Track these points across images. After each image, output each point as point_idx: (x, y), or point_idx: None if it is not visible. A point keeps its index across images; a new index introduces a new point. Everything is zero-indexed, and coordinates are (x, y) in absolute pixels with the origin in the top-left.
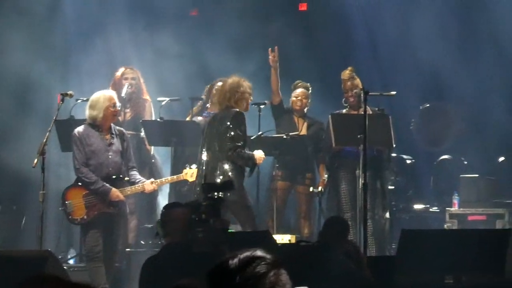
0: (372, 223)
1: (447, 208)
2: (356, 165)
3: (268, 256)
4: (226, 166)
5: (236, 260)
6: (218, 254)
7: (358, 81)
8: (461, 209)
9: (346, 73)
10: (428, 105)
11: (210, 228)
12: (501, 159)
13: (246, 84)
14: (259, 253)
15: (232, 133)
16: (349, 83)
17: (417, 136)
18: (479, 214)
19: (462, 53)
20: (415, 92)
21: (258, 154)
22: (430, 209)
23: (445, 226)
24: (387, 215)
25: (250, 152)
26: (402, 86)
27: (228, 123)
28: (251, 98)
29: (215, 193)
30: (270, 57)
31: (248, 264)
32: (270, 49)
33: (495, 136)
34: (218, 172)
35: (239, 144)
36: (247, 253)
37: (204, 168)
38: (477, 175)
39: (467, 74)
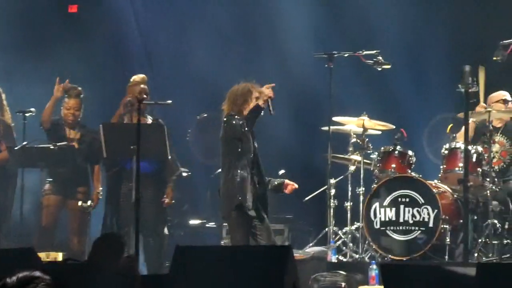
0: (153, 240)
1: (224, 224)
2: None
3: (47, 277)
4: None
5: (14, 278)
6: None
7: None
8: None
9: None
10: (205, 115)
11: None
12: (281, 172)
13: None
14: (37, 273)
15: None
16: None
17: (194, 147)
18: None
19: (244, 64)
20: (193, 102)
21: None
22: (207, 225)
23: (222, 242)
24: (166, 231)
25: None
26: (179, 95)
27: None
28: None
29: None
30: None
31: (26, 284)
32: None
33: (276, 148)
34: None
35: None
36: (26, 273)
37: None
38: None
39: None
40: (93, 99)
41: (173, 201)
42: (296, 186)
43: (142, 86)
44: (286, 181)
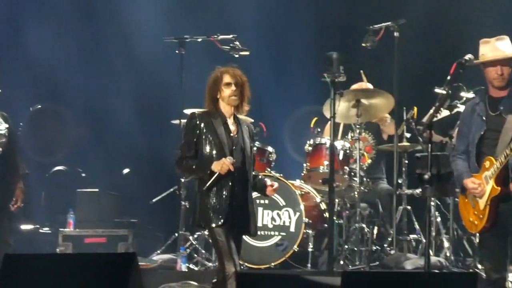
0: None
1: (60, 229)
2: None
3: None
4: None
5: None
6: None
7: None
8: (77, 230)
9: None
10: (39, 106)
11: None
12: (126, 171)
13: None
14: None
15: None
16: None
17: (27, 142)
18: (99, 235)
19: (84, 55)
20: (25, 92)
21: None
22: (41, 230)
23: (58, 250)
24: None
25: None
26: (10, 84)
27: None
28: None
29: None
30: None
31: None
32: None
33: (120, 144)
34: None
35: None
36: None
37: None
38: (97, 190)
39: (88, 76)
40: None
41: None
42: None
43: None
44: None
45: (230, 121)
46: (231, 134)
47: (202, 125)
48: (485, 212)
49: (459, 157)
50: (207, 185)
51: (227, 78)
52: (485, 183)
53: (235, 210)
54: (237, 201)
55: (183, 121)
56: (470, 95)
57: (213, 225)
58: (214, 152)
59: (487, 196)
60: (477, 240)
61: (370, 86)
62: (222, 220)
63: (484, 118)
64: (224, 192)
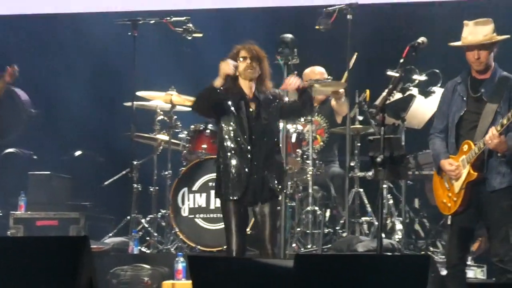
0: None
1: (11, 212)
2: None
3: None
4: None
5: None
6: None
7: None
8: (29, 212)
9: None
10: None
11: None
12: (78, 153)
13: None
14: None
15: None
16: None
17: None
18: (50, 218)
19: (35, 37)
20: None
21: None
22: None
23: (9, 232)
24: None
25: None
26: None
27: None
28: None
29: None
30: None
31: None
32: None
33: (71, 127)
34: None
35: None
36: None
37: None
38: (48, 172)
39: (40, 55)
40: None
41: None
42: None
43: None
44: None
45: (249, 97)
46: (251, 110)
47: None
48: (460, 196)
49: (437, 135)
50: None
51: (242, 53)
52: (462, 167)
53: (253, 184)
54: (257, 173)
55: (136, 103)
56: (423, 77)
57: (225, 199)
58: (230, 128)
59: (462, 180)
60: (449, 222)
61: (322, 70)
62: (236, 196)
63: (464, 98)
64: (243, 166)
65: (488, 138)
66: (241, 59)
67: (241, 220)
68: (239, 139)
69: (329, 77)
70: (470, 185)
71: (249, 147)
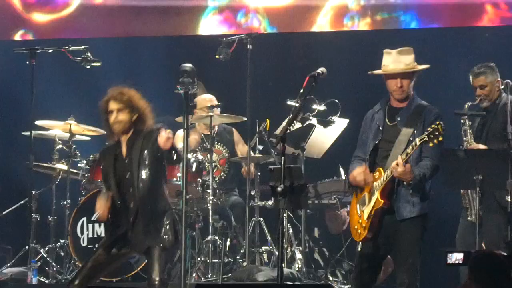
0: None
1: None
2: None
3: None
4: None
5: None
6: None
7: None
8: None
9: None
10: None
11: None
12: None
13: None
14: None
15: None
16: None
17: None
18: None
19: None
20: None
21: None
22: None
23: None
24: None
25: None
26: None
27: None
28: None
29: None
30: None
31: None
32: None
33: None
34: None
35: None
36: None
37: None
38: None
39: None
40: None
41: None
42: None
43: None
44: None
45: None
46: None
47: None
48: (368, 223)
49: (357, 161)
50: None
51: (110, 106)
52: (372, 194)
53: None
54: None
55: (34, 132)
56: (322, 107)
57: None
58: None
59: (371, 208)
60: (358, 249)
61: (211, 96)
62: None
63: (380, 128)
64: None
65: (393, 166)
66: (109, 113)
67: None
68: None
69: (219, 103)
70: (379, 213)
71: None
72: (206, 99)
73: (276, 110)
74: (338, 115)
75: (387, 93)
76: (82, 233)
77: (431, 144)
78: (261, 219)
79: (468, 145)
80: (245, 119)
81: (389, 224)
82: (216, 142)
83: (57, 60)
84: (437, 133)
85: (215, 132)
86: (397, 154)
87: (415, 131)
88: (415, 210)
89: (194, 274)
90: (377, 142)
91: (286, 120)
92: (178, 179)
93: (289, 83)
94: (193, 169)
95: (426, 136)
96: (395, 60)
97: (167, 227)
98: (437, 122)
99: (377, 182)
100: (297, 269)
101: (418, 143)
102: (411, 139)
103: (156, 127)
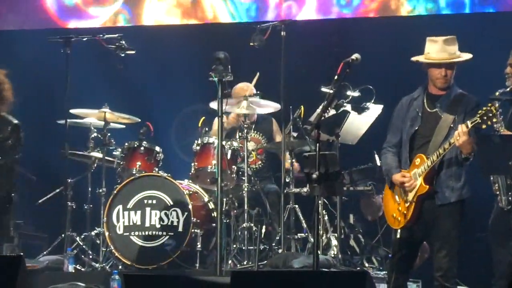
0: None
1: None
2: None
3: None
4: None
5: None
6: None
7: None
8: None
9: None
10: None
11: None
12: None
13: None
14: None
15: None
16: None
17: None
18: None
19: None
20: None
21: None
22: None
23: None
24: None
25: None
26: None
27: None
28: None
29: None
30: None
31: None
32: None
33: None
34: None
35: None
36: None
37: None
38: None
39: None
40: None
41: None
42: None
43: None
44: None
45: None
46: None
47: None
48: (410, 209)
49: (389, 149)
50: None
51: None
52: (414, 180)
53: None
54: None
55: (69, 121)
56: (356, 94)
57: None
58: None
59: (413, 193)
60: (398, 236)
61: (251, 85)
62: None
63: (420, 114)
64: None
65: (457, 134)
66: None
67: None
68: None
69: (258, 92)
70: (421, 199)
71: None
72: (243, 88)
73: (310, 97)
74: (372, 101)
75: (423, 80)
76: (118, 221)
77: (484, 126)
78: (296, 206)
79: (500, 132)
80: (280, 106)
81: (428, 210)
82: (255, 131)
83: (91, 48)
84: (490, 115)
85: (254, 120)
86: (439, 140)
87: (456, 118)
88: (455, 195)
89: (229, 261)
90: (416, 128)
91: (321, 107)
92: (213, 166)
93: (323, 70)
94: (228, 156)
95: (478, 118)
96: (441, 49)
97: None
98: (489, 104)
99: (419, 168)
100: (332, 255)
101: (470, 125)
102: (452, 125)
103: None
